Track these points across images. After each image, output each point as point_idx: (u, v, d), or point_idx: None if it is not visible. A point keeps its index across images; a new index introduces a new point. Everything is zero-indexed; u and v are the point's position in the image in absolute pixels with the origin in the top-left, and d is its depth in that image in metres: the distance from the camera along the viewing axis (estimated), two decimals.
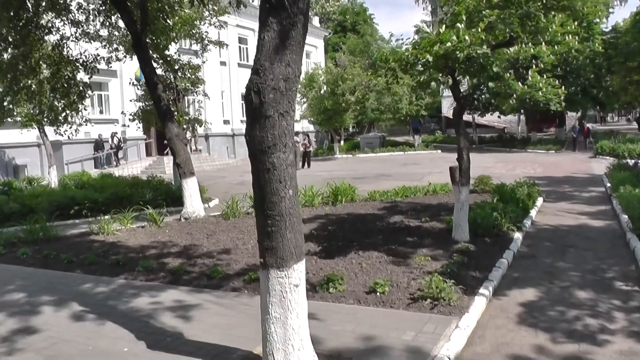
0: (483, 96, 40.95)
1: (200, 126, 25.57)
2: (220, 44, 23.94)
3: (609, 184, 17.91)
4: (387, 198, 16.20)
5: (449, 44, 8.81)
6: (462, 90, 11.13)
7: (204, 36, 21.61)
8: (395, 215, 13.22)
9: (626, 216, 12.27)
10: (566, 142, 40.59)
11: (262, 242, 4.90)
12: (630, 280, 8.22)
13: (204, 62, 26.72)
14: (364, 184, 21.63)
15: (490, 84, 10.16)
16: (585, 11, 35.45)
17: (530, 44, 33.14)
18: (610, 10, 47.41)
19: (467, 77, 10.87)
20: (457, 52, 8.76)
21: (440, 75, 10.03)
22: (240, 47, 44.79)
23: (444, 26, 9.36)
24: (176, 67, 20.53)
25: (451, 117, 45.76)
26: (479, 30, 8.95)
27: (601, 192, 17.66)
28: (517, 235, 10.61)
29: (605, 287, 7.88)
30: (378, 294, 7.29)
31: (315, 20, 57.64)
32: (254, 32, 45.60)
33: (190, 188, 15.20)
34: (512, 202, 12.61)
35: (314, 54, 54.50)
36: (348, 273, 8.44)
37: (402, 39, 10.37)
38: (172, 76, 20.31)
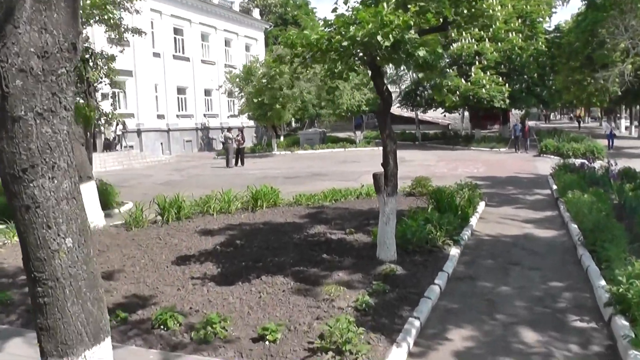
0: (426, 92, 39.88)
1: (111, 123, 23.26)
2: (138, 31, 21.78)
3: (555, 186, 16.69)
4: (314, 202, 14.48)
5: (370, 25, 7.01)
6: (394, 84, 9.40)
7: (119, 22, 19.39)
8: (317, 225, 11.49)
9: (575, 225, 10.91)
10: (510, 141, 39.87)
11: (35, 319, 3.05)
12: (585, 312, 6.71)
13: (121, 52, 24.49)
14: (296, 184, 19.98)
15: (421, 75, 8.39)
16: (528, 9, 34.70)
17: (473, 40, 31.61)
18: (553, 10, 47.30)
19: (392, 66, 9.04)
20: (380, 38, 6.94)
21: (360, 63, 8.20)
22: (175, 38, 42.34)
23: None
24: (86, 57, 18.22)
25: (395, 113, 44.38)
26: (409, 11, 7.25)
27: (547, 194, 16.41)
28: (454, 251, 9.03)
29: (557, 324, 6.34)
30: (267, 342, 5.50)
31: (256, 13, 55.53)
32: (190, 22, 43.41)
33: (86, 195, 13.04)
34: (450, 210, 11.04)
35: (254, 47, 52.39)
36: (241, 307, 6.64)
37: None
38: (81, 66, 18.00)
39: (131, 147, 35.92)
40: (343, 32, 7.24)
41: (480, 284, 7.80)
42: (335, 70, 7.96)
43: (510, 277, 8.12)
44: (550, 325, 6.31)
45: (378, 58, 7.49)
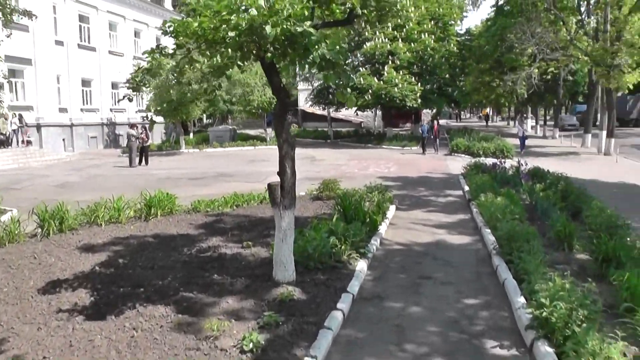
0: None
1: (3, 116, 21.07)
2: (28, 14, 19.82)
3: (467, 187, 16.24)
4: (213, 209, 13.22)
5: (253, 11, 5.80)
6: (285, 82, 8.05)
7: (4, 2, 17.46)
8: (213, 237, 10.26)
9: (489, 231, 10.31)
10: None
11: None
12: (505, 335, 5.94)
13: (8, 37, 22.27)
14: (200, 186, 18.67)
15: (319, 75, 7.22)
16: (441, 12, 34.79)
17: (387, 39, 31.17)
18: (465, 14, 48.19)
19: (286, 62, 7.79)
20: (269, 28, 5.74)
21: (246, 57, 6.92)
22: (80, 25, 39.55)
23: None
24: None
25: (307, 111, 43.59)
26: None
27: (459, 196, 15.92)
28: (361, 266, 8.09)
29: (475, 353, 5.51)
30: None
31: (168, 3, 53.10)
32: (97, 9, 40.81)
33: None
34: (357, 218, 10.13)
35: (165, 39, 49.87)
36: (107, 351, 5.39)
37: None
38: None
39: (29, 142, 33.09)
40: (231, 20, 6.06)
41: (389, 305, 6.88)
42: (217, 64, 6.69)
43: (422, 295, 7.27)
44: (467, 355, 5.47)
45: (269, 53, 6.33)
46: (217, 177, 21.44)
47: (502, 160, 19.01)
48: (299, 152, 29.24)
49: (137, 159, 28.10)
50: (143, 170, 25.68)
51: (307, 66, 6.19)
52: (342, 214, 10.52)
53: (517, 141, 32.05)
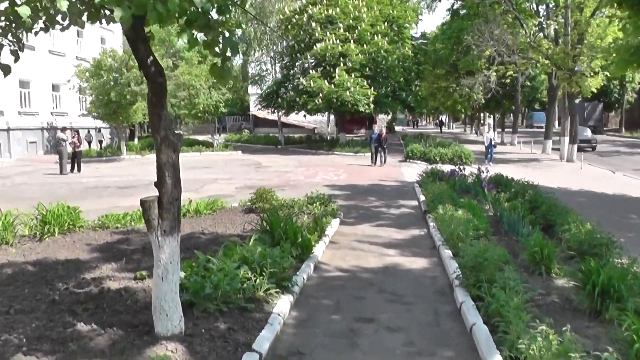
0: (287, 94, 37.27)
1: None
2: None
3: (422, 197, 14.40)
4: (124, 224, 10.99)
5: None
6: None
7: None
8: (105, 264, 8.05)
9: (449, 252, 8.42)
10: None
11: None
12: None
13: None
14: (125, 196, 16.50)
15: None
16: (395, 14, 33.07)
17: (338, 40, 28.91)
18: (420, 17, 46.96)
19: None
20: None
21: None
22: None
23: None
24: None
25: (259, 116, 41.42)
26: None
27: (414, 207, 14.04)
28: (281, 306, 6.02)
29: None
30: None
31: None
32: None
33: None
34: (286, 238, 8.07)
35: (110, 39, 46.86)
36: None
37: None
38: None
39: None
40: None
41: None
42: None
43: (359, 349, 5.26)
44: None
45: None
46: (149, 186, 18.90)
47: (461, 167, 17.28)
48: (246, 157, 27.20)
49: (69, 166, 25.51)
50: (73, 178, 23.13)
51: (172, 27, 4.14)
52: (270, 233, 8.45)
53: (474, 147, 30.54)
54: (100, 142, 40.95)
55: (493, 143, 27.23)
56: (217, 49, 4.54)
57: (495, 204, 12.36)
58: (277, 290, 6.27)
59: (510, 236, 9.83)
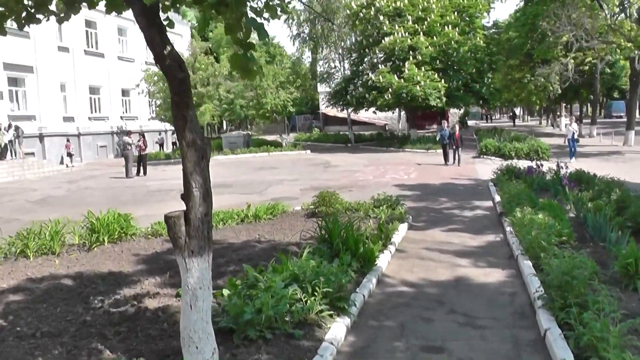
0: (356, 90, 36.44)
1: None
2: None
3: (497, 197, 13.36)
4: None
5: None
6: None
7: None
8: (149, 278, 7.50)
9: (529, 263, 7.48)
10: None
11: None
12: None
13: None
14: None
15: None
16: (465, 3, 31.53)
17: (407, 33, 27.74)
18: (492, 5, 45.05)
19: None
20: None
21: None
22: (87, 31, 37.72)
23: None
24: None
25: (329, 114, 40.85)
26: None
27: (488, 208, 13.03)
28: (335, 333, 5.29)
29: None
30: None
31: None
32: (105, 14, 38.63)
33: None
34: (346, 249, 7.34)
35: (178, 43, 47.64)
36: None
37: None
38: None
39: (31, 154, 31.20)
40: None
41: None
42: None
43: None
44: None
45: None
46: (213, 188, 18.83)
47: (539, 162, 16.02)
48: (314, 157, 26.54)
49: (135, 169, 25.79)
50: (138, 181, 23.29)
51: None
52: (329, 242, 7.76)
53: (551, 140, 28.69)
54: (174, 144, 41.54)
55: (576, 137, 24.92)
56: (239, 34, 3.88)
57: (577, 204, 11.22)
58: (331, 312, 5.56)
59: (596, 242, 8.75)
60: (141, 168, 26.01)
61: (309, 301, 5.45)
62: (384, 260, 7.95)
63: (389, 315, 6.13)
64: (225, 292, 5.68)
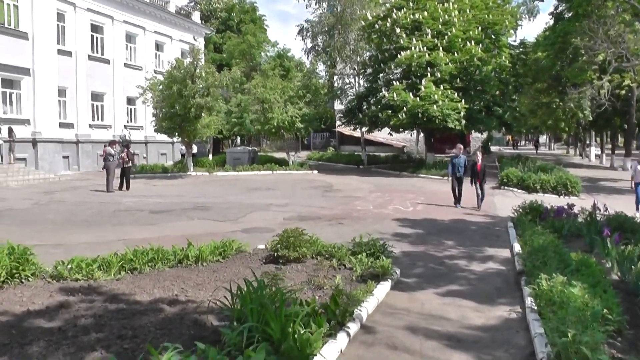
0: (369, 109, 33.68)
1: None
2: None
3: (517, 246, 10.47)
4: (88, 273, 7.88)
5: None
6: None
7: None
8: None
9: None
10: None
11: None
12: None
13: None
14: (149, 224, 14.14)
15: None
16: (491, 19, 28.40)
17: (425, 48, 24.54)
18: (519, 22, 42.21)
19: None
20: None
21: None
22: (93, 36, 35.87)
23: None
24: None
25: (345, 133, 37.92)
26: None
27: (505, 260, 10.13)
28: None
29: None
30: None
31: (196, 16, 48.93)
32: (113, 20, 37.25)
33: None
34: (264, 339, 4.58)
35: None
36: None
37: None
38: None
39: (22, 160, 29.07)
40: None
41: None
42: None
43: None
44: None
45: None
46: (187, 211, 16.31)
47: (570, 203, 13.01)
48: (317, 179, 23.27)
49: (119, 183, 23.38)
50: (116, 197, 20.82)
51: None
52: (242, 322, 4.99)
53: (581, 172, 25.51)
54: (183, 155, 39.21)
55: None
56: None
57: (623, 264, 8.39)
58: None
59: None
60: (124, 182, 23.56)
61: None
62: (330, 354, 5.13)
63: None
64: None
